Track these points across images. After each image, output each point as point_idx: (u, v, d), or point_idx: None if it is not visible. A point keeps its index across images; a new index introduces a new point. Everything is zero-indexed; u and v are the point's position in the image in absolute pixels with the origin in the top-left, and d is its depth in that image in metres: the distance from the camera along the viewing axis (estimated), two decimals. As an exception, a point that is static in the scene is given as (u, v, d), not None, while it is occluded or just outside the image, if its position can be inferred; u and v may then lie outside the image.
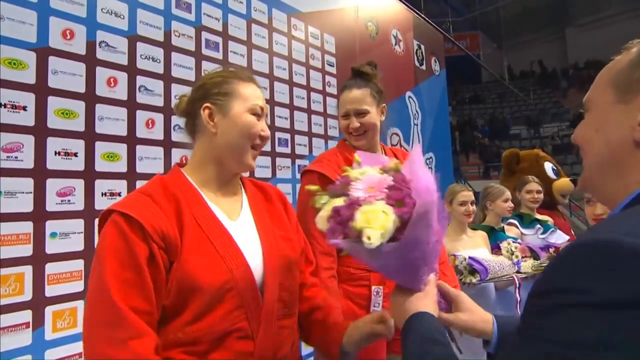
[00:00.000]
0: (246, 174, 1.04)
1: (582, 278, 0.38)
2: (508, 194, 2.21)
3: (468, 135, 13.82)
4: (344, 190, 0.71)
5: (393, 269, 0.74)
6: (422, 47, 3.70)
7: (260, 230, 0.87)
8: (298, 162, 2.27)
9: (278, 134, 2.19)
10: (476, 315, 0.76)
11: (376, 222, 0.64)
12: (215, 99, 0.86)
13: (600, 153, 0.53)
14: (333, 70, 2.60)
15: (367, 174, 0.72)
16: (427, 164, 3.62)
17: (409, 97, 3.41)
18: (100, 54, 1.49)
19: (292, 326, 0.87)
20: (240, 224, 0.86)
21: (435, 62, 3.94)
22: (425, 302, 0.71)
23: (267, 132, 0.88)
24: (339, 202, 0.70)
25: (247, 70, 2.00)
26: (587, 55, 16.26)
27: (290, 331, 0.86)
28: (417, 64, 3.58)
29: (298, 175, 2.23)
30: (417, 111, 3.51)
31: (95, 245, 0.75)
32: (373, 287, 1.29)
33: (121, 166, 1.53)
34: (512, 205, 2.23)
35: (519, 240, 2.11)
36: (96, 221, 1.41)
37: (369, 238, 0.64)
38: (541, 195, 2.45)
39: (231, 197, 0.89)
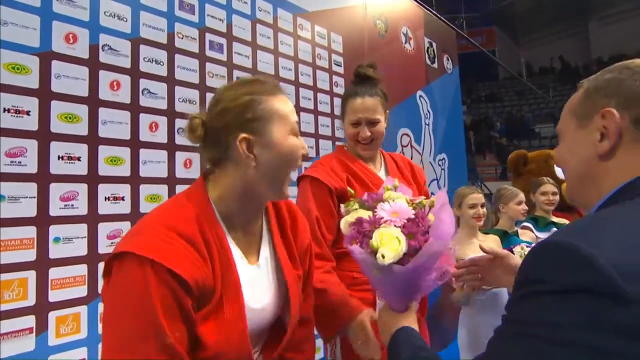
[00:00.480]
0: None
1: (542, 271, 0.50)
2: (522, 196, 2.18)
3: (484, 134, 13.66)
4: (374, 205, 0.82)
5: (388, 289, 0.85)
6: (434, 44, 3.67)
7: (289, 280, 0.86)
8: (305, 164, 2.28)
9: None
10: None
11: (389, 245, 0.75)
12: (252, 126, 0.76)
13: (575, 169, 0.67)
14: (340, 70, 2.60)
15: (397, 200, 0.83)
16: (439, 165, 3.59)
17: (420, 96, 3.39)
18: (103, 57, 1.52)
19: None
20: (259, 270, 0.84)
21: (448, 59, 3.91)
22: (409, 319, 0.84)
23: (307, 149, 0.82)
24: (365, 214, 0.81)
25: (251, 71, 2.02)
26: (611, 49, 15.92)
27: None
28: (428, 62, 3.56)
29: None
30: (428, 111, 3.48)
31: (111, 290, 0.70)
32: (378, 301, 1.30)
33: (125, 170, 1.56)
34: (526, 207, 2.20)
35: (532, 244, 2.07)
36: (100, 226, 1.45)
37: (382, 256, 0.74)
38: (557, 197, 2.42)
39: (251, 231, 0.85)
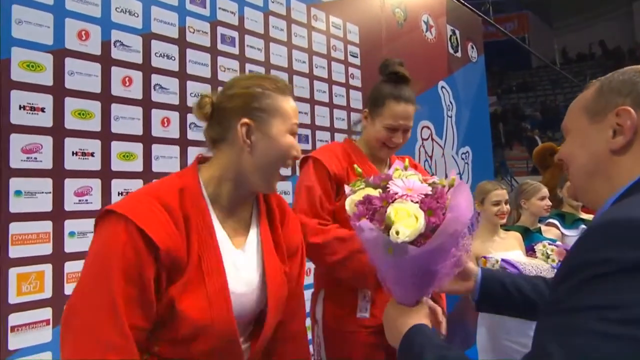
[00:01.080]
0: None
1: (606, 250, 0.49)
2: (545, 191, 2.12)
3: (515, 126, 13.30)
4: (383, 184, 0.78)
5: (399, 276, 0.78)
6: (457, 32, 3.60)
7: (268, 267, 0.88)
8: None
9: (298, 130, 2.21)
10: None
11: (406, 220, 0.69)
12: (256, 115, 0.83)
13: (586, 164, 0.69)
14: (357, 61, 2.59)
15: (409, 177, 0.79)
16: (462, 158, 3.53)
17: (442, 87, 3.34)
18: (115, 53, 1.57)
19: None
20: (244, 254, 0.87)
21: (473, 48, 3.83)
22: (421, 316, 0.78)
23: (300, 152, 0.89)
24: (374, 192, 0.76)
25: (264, 64, 2.04)
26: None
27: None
28: (451, 51, 3.49)
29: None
30: (451, 102, 3.43)
31: (95, 238, 0.76)
32: (360, 291, 1.29)
33: (137, 165, 1.61)
34: (549, 203, 2.14)
35: (557, 242, 2.02)
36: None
37: (397, 232, 0.68)
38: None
39: (239, 216, 0.89)
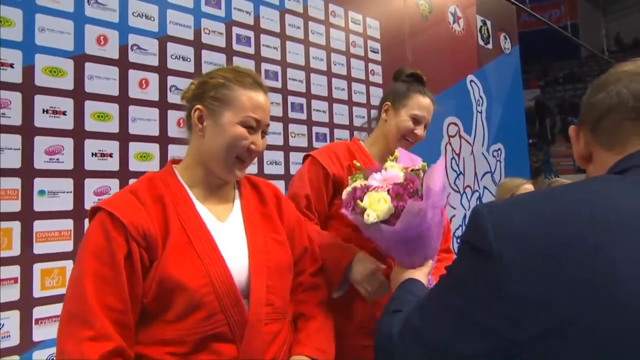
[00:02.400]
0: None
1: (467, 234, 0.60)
2: (527, 187, 2.07)
3: (562, 120, 12.79)
4: (369, 175, 1.00)
5: (390, 246, 0.99)
6: (488, 22, 3.55)
7: (248, 232, 0.93)
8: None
9: (315, 129, 2.27)
10: None
11: (376, 206, 0.92)
12: (209, 103, 0.90)
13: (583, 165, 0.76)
14: (378, 57, 2.62)
15: (390, 169, 1.00)
16: (494, 156, 3.48)
17: (471, 81, 3.30)
18: (132, 56, 1.68)
19: (282, 330, 0.93)
20: (228, 225, 0.93)
21: (506, 38, 3.76)
22: (417, 273, 0.93)
23: (259, 147, 0.92)
24: (360, 183, 0.99)
25: (280, 63, 2.11)
26: None
27: (279, 335, 0.91)
28: (481, 42, 3.45)
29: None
30: (481, 97, 3.38)
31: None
32: None
33: (154, 166, 1.71)
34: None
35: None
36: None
37: (368, 215, 0.92)
38: None
39: (222, 197, 0.96)
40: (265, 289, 0.89)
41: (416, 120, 1.37)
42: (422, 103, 1.38)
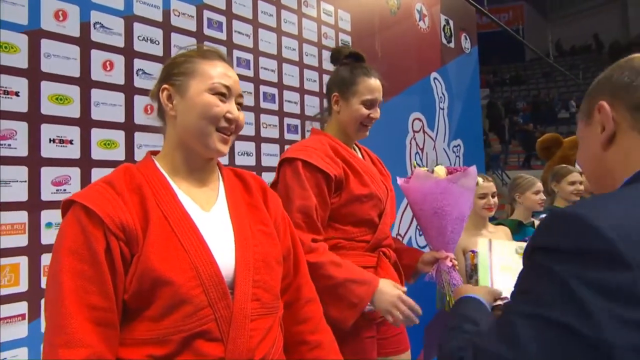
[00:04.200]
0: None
1: (545, 240, 0.57)
2: (539, 185, 2.15)
3: (505, 119, 13.45)
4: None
5: (435, 224, 1.42)
6: (451, 22, 3.61)
7: (234, 223, 0.87)
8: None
9: (287, 120, 2.20)
10: None
11: (440, 172, 1.42)
12: (174, 79, 0.87)
13: (590, 166, 0.74)
14: (348, 49, 2.57)
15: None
16: (454, 151, 3.56)
17: (435, 78, 3.35)
18: (95, 35, 1.53)
19: (272, 326, 0.87)
20: (213, 215, 0.87)
21: (466, 38, 3.84)
22: (478, 291, 0.87)
23: (235, 114, 0.86)
24: (442, 171, 1.45)
25: (253, 51, 2.02)
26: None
27: (268, 332, 0.85)
28: (444, 41, 3.50)
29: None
30: (443, 94, 3.44)
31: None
32: None
33: (119, 154, 1.58)
34: (543, 197, 2.17)
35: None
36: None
37: (433, 171, 1.41)
38: (583, 187, 2.39)
39: (206, 187, 0.90)
40: (251, 283, 0.83)
41: (369, 104, 1.34)
42: (371, 85, 1.34)
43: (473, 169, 1.44)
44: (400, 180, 1.46)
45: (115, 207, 0.77)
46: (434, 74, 3.34)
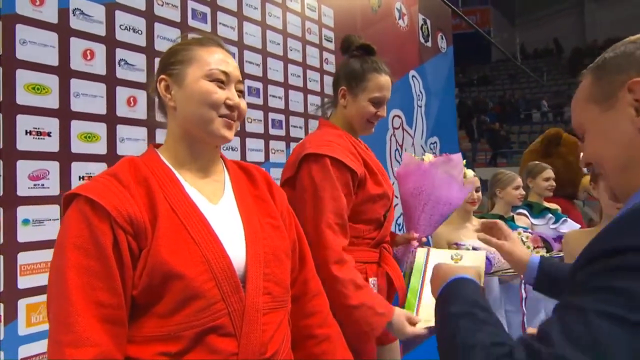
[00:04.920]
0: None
1: (631, 238, 0.48)
2: (519, 180, 2.20)
3: (474, 118, 13.81)
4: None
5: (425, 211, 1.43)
6: (428, 22, 3.64)
7: (243, 216, 0.84)
8: (293, 145, 2.24)
9: (272, 115, 2.16)
10: (517, 245, 1.06)
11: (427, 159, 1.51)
12: (171, 69, 0.84)
13: (617, 156, 0.63)
14: (331, 46, 2.55)
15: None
16: (431, 148, 3.60)
17: (413, 76, 3.37)
18: (75, 22, 1.44)
19: (282, 321, 0.84)
20: (221, 208, 0.84)
21: (442, 38, 3.88)
22: (468, 270, 0.74)
23: (236, 101, 0.83)
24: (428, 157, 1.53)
25: (238, 44, 1.96)
26: (607, 32, 16.12)
27: (279, 327, 0.83)
28: (422, 40, 3.52)
29: (293, 160, 2.21)
30: (421, 92, 3.47)
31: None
32: (370, 279, 1.30)
33: (100, 147, 1.50)
34: (523, 192, 2.22)
35: (529, 230, 2.10)
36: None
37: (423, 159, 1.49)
38: (554, 183, 2.46)
39: (212, 179, 0.87)
40: (262, 277, 0.81)
41: (377, 102, 1.30)
42: (380, 83, 1.29)
43: (457, 156, 1.45)
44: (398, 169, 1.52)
45: (122, 199, 0.73)
46: (412, 72, 3.36)
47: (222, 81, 0.82)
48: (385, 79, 1.32)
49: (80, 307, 0.66)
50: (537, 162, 2.60)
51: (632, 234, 0.49)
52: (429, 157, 1.48)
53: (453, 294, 0.68)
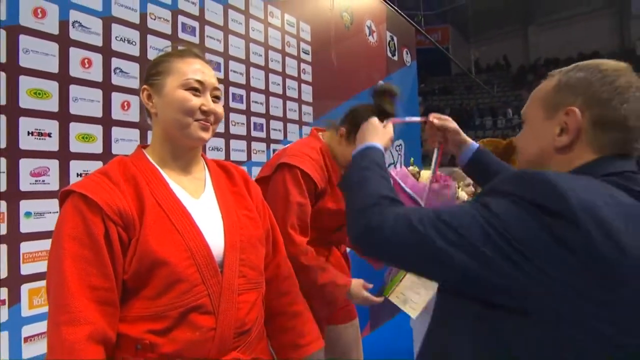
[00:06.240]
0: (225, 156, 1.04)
1: (520, 188, 0.57)
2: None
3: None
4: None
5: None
6: (395, 38, 3.72)
7: (222, 209, 0.87)
8: (273, 146, 2.27)
9: (254, 119, 2.18)
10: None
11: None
12: (152, 80, 0.85)
13: (532, 155, 0.70)
14: (308, 58, 2.59)
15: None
16: (397, 150, 3.68)
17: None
18: (74, 34, 1.43)
19: (256, 301, 0.87)
20: (202, 202, 0.86)
21: (407, 53, 3.97)
22: (380, 140, 0.92)
23: (210, 106, 0.83)
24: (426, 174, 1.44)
25: (223, 55, 1.97)
26: (547, 52, 16.78)
27: (253, 306, 0.86)
28: (389, 54, 3.60)
29: (273, 159, 2.23)
30: (388, 100, 3.54)
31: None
32: None
33: (97, 147, 1.49)
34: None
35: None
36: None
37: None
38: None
39: (194, 176, 0.89)
40: (238, 262, 0.84)
41: None
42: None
43: (454, 184, 1.35)
44: (392, 170, 1.41)
45: (112, 195, 0.74)
46: (380, 83, 3.43)
47: (197, 89, 0.83)
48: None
49: (75, 290, 0.67)
50: None
51: (505, 184, 0.59)
52: (425, 174, 1.42)
53: (367, 154, 0.84)
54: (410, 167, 1.57)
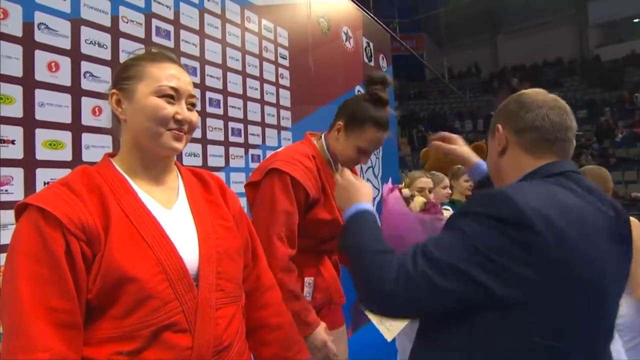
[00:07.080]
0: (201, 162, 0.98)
1: (478, 206, 0.72)
2: (447, 181, 2.30)
3: (412, 128, 14.34)
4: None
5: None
6: (371, 44, 3.73)
7: (196, 219, 0.81)
8: (251, 151, 2.22)
9: (231, 124, 2.12)
10: (465, 147, 1.24)
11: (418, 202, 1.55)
12: (122, 84, 0.78)
13: (492, 168, 0.91)
14: (286, 63, 2.55)
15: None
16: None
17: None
18: (39, 36, 1.35)
19: (236, 314, 0.82)
20: (175, 212, 0.80)
21: (383, 59, 3.99)
22: (365, 198, 0.92)
23: (185, 115, 0.77)
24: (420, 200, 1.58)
25: (199, 59, 1.91)
26: (514, 60, 17.32)
27: (232, 320, 0.80)
28: (365, 60, 3.60)
29: (251, 164, 2.18)
30: (365, 105, 3.54)
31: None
32: (306, 279, 1.26)
33: (66, 154, 1.41)
34: (450, 191, 2.33)
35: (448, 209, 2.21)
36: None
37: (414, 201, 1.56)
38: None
39: (166, 186, 0.82)
40: (214, 275, 0.78)
41: (364, 152, 1.21)
42: (374, 138, 1.19)
43: (447, 215, 1.38)
44: (385, 187, 1.41)
45: (73, 207, 0.68)
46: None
47: (171, 96, 0.77)
48: (380, 135, 1.20)
49: (32, 313, 0.61)
50: (459, 166, 2.73)
51: (473, 204, 0.74)
52: (419, 200, 1.37)
53: (365, 225, 0.85)
54: (404, 190, 1.49)
